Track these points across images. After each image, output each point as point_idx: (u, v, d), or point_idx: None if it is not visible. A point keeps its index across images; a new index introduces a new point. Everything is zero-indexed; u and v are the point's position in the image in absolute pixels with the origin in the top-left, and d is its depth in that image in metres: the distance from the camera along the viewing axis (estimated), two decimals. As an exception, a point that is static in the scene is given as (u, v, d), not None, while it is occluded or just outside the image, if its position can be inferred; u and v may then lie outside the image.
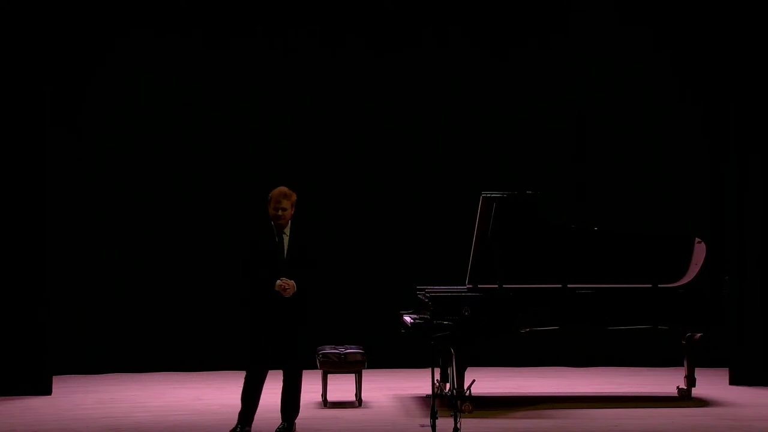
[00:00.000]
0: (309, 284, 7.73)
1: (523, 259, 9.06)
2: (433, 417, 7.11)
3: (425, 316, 8.81)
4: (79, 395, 9.75)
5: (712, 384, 10.04)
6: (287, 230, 7.73)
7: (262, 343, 7.66)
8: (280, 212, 7.67)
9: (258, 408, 7.73)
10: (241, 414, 7.70)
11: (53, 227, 10.16)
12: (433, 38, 11.61)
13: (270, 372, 7.76)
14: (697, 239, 9.30)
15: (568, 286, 8.98)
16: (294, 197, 7.73)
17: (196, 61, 11.42)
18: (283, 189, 7.75)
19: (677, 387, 9.44)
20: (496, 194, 8.92)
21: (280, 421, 7.80)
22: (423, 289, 9.08)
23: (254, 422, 7.72)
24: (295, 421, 7.83)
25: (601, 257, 9.20)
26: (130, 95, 11.37)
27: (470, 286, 9.11)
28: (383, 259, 11.47)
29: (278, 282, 7.58)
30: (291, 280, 7.61)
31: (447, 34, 11.62)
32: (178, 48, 11.39)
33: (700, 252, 9.28)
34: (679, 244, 9.33)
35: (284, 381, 7.79)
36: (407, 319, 9.16)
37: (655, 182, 11.62)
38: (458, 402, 7.95)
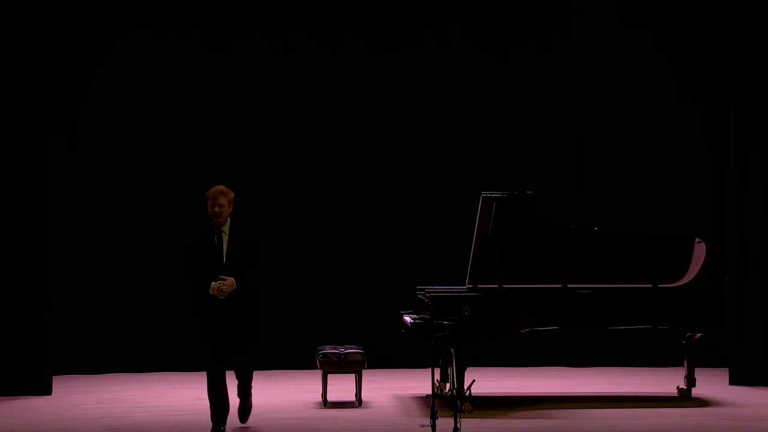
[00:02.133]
0: (255, 283, 7.71)
1: (523, 259, 9.05)
2: (433, 417, 7.11)
3: (425, 316, 8.81)
4: (79, 395, 9.76)
5: (712, 384, 10.04)
6: (226, 228, 7.72)
7: (217, 343, 7.64)
8: (217, 209, 7.67)
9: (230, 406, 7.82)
10: (213, 415, 7.74)
11: (53, 227, 10.16)
12: (433, 38, 11.61)
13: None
14: (697, 239, 9.30)
15: (568, 286, 8.98)
16: (231, 195, 7.74)
17: (196, 61, 11.42)
18: (221, 187, 7.78)
19: (677, 387, 9.44)
20: (496, 194, 8.92)
21: (243, 419, 7.91)
22: (423, 289, 9.08)
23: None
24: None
25: (601, 257, 9.20)
26: (130, 95, 11.38)
27: (470, 286, 9.11)
28: (383, 259, 11.47)
29: (213, 284, 7.55)
30: (230, 278, 7.57)
31: (447, 34, 11.62)
32: (178, 48, 11.39)
33: (700, 252, 9.27)
34: (679, 244, 9.33)
35: (238, 385, 7.84)
36: (407, 319, 9.16)
37: (655, 182, 11.62)
38: (458, 402, 7.95)
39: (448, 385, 9.06)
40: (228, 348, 7.68)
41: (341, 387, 9.35)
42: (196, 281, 7.62)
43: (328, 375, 9.10)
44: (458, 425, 7.10)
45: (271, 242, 9.79)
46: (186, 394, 9.77)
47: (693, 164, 11.64)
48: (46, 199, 9.92)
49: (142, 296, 11.28)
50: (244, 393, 7.93)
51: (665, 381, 10.14)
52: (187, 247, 7.78)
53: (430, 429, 7.19)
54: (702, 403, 9.20)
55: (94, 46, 11.24)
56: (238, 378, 7.86)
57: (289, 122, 11.53)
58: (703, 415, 8.62)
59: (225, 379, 7.73)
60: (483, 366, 10.08)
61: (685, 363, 9.32)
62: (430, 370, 7.47)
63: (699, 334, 9.20)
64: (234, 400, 7.89)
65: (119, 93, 11.36)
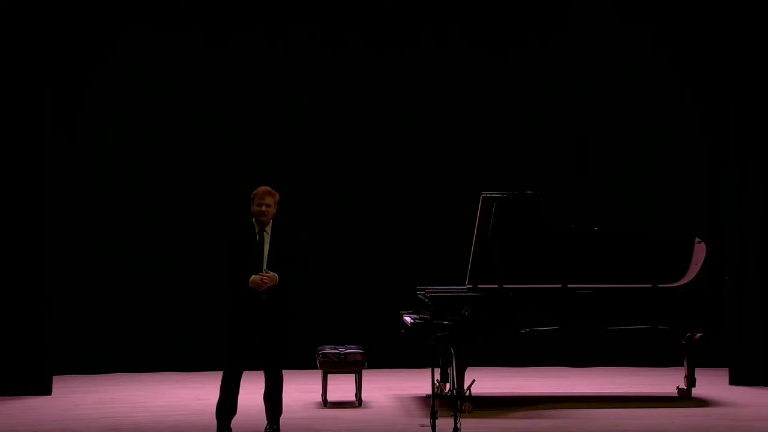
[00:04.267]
0: (294, 284, 7.72)
1: (523, 259, 9.06)
2: (433, 417, 7.11)
3: (425, 316, 8.81)
4: (79, 395, 9.76)
5: (712, 384, 10.04)
6: (268, 229, 7.72)
7: (242, 343, 7.64)
8: (264, 208, 7.67)
9: (238, 408, 7.78)
10: (220, 416, 7.73)
11: (53, 227, 10.16)
12: (433, 38, 11.62)
13: (250, 372, 7.80)
14: (697, 239, 9.30)
15: (568, 286, 8.98)
16: (278, 196, 7.75)
17: (196, 61, 11.42)
18: (267, 187, 7.78)
19: (677, 387, 9.44)
20: (496, 194, 8.92)
21: (266, 422, 7.81)
22: (423, 289, 9.08)
23: (238, 423, 7.76)
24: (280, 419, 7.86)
25: (601, 257, 9.20)
26: (129, 95, 11.38)
27: (470, 286, 9.11)
28: (383, 259, 11.47)
29: (253, 277, 7.56)
30: (272, 272, 7.56)
31: (447, 34, 11.63)
32: (178, 48, 11.39)
33: (700, 252, 9.27)
34: (679, 244, 9.33)
35: (266, 383, 7.79)
36: (407, 319, 9.16)
37: (655, 183, 11.62)
38: (458, 402, 7.95)
39: (448, 385, 9.06)
40: (255, 350, 7.66)
41: (341, 387, 9.36)
42: (234, 278, 7.60)
43: (328, 375, 9.10)
44: (458, 425, 7.10)
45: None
46: (186, 394, 9.77)
47: (693, 164, 11.64)
48: (46, 199, 9.92)
49: (142, 296, 11.29)
50: (272, 398, 7.79)
51: (665, 381, 10.14)
52: (230, 244, 7.73)
53: (430, 429, 7.19)
54: (702, 403, 9.20)
55: (94, 46, 11.25)
56: (267, 382, 7.79)
57: (288, 122, 11.53)
58: (703, 415, 8.62)
59: (239, 381, 7.71)
60: (483, 366, 10.08)
61: (685, 363, 9.33)
62: (430, 370, 7.47)
63: (699, 334, 9.20)
64: (251, 401, 7.83)
65: (119, 93, 11.37)
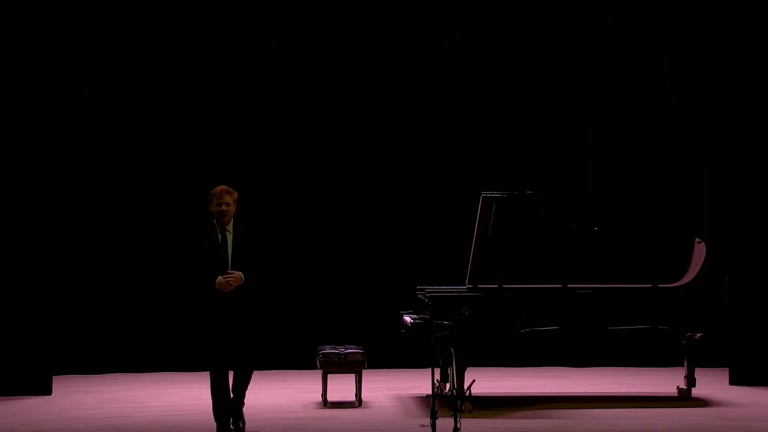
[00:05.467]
0: (261, 283, 7.70)
1: (523, 259, 9.05)
2: (433, 417, 7.12)
3: (425, 316, 8.81)
4: (79, 395, 9.76)
5: (712, 384, 10.04)
6: (230, 227, 7.71)
7: (220, 346, 7.62)
8: (224, 207, 7.66)
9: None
10: (218, 418, 7.75)
11: (53, 227, 10.15)
12: (433, 38, 11.61)
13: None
14: (697, 239, 9.30)
15: (568, 286, 8.98)
16: (236, 194, 7.73)
17: (196, 61, 11.42)
18: (225, 186, 7.76)
19: (677, 387, 9.44)
20: (496, 194, 8.92)
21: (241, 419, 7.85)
22: (423, 289, 9.07)
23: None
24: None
25: (601, 257, 9.20)
26: (129, 95, 11.37)
27: (470, 286, 9.10)
28: (383, 259, 11.47)
29: (219, 278, 7.54)
30: (237, 272, 7.55)
31: (447, 34, 11.62)
32: (178, 48, 11.39)
33: (700, 252, 9.27)
34: (679, 244, 9.33)
35: (235, 381, 7.77)
36: (407, 319, 9.16)
37: (655, 182, 11.62)
38: (458, 402, 7.95)
39: (448, 385, 9.06)
40: (230, 349, 7.66)
41: (341, 387, 9.35)
42: (200, 281, 7.59)
43: (328, 375, 9.10)
44: (458, 425, 7.10)
45: (272, 243, 9.79)
46: (186, 394, 9.77)
47: (693, 164, 11.64)
48: (46, 199, 9.92)
49: (141, 296, 11.28)
50: (237, 394, 7.82)
51: (665, 381, 10.14)
52: (193, 247, 7.73)
53: (430, 429, 7.19)
54: (702, 403, 9.20)
55: (94, 46, 11.23)
56: (234, 378, 7.80)
57: (288, 122, 11.52)
58: (703, 415, 8.62)
59: (228, 380, 7.74)
60: (483, 366, 10.07)
61: (685, 363, 9.32)
62: (430, 370, 7.47)
63: (699, 334, 9.20)
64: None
65: (119, 93, 11.35)
